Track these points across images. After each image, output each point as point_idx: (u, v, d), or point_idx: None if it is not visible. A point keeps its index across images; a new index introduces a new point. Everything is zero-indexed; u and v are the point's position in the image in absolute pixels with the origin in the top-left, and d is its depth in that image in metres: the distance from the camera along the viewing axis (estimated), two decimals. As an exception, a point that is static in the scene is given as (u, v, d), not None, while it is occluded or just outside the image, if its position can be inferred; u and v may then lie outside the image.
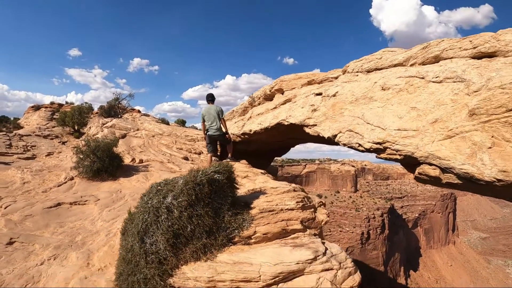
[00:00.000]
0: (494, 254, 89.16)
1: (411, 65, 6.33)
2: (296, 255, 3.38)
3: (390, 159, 5.35)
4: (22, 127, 21.09)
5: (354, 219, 71.87)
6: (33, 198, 8.58)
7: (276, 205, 4.06)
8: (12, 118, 28.25)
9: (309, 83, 9.86)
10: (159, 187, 3.73)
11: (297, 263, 3.26)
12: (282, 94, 11.78)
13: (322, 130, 7.10)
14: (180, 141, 17.66)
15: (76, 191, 9.75)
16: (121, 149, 15.04)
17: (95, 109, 27.61)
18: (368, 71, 7.26)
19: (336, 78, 8.34)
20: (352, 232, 68.39)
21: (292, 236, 3.64)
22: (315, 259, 3.30)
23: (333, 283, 3.08)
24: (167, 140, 17.59)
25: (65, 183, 10.62)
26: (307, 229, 3.74)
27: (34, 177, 10.71)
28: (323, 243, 3.57)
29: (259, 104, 14.34)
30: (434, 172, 4.76)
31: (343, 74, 8.20)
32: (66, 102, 31.03)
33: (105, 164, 11.05)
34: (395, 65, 6.64)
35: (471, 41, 5.51)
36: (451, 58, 5.66)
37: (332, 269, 3.23)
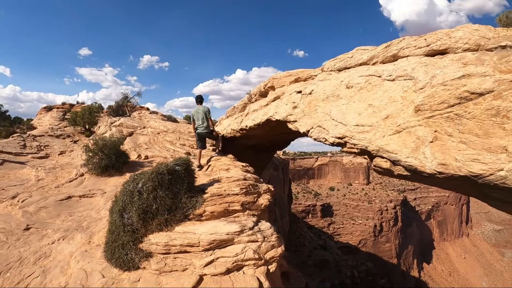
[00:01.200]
0: (508, 247, 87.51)
1: (373, 64, 6.85)
2: (227, 227, 4.28)
3: (351, 153, 6.03)
4: (35, 128, 22.43)
5: (366, 211, 72.01)
6: (46, 193, 9.63)
7: (224, 190, 4.98)
8: (25, 119, 29.95)
9: (296, 80, 10.53)
10: (135, 177, 4.74)
11: (227, 234, 4.16)
12: (274, 91, 12.50)
13: (300, 126, 7.85)
14: (183, 137, 18.54)
15: (85, 186, 10.76)
16: (128, 146, 15.95)
17: (106, 107, 28.90)
18: (339, 70, 7.87)
19: (316, 76, 9.02)
20: (365, 225, 68.66)
21: (234, 215, 4.53)
22: (242, 232, 4.18)
23: (256, 252, 3.92)
24: (171, 137, 18.51)
25: (75, 179, 11.66)
26: (247, 210, 4.60)
27: (47, 175, 11.81)
28: (258, 221, 4.40)
29: (255, 100, 15.07)
30: (385, 164, 5.37)
31: (321, 72, 8.88)
32: (77, 102, 32.53)
33: (112, 160, 11.89)
34: (361, 64, 7.18)
35: (425, 39, 5.98)
36: (407, 56, 6.13)
37: (257, 241, 4.09)
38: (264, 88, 13.81)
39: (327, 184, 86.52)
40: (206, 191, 5.11)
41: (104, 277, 3.93)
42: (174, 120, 28.98)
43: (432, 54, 5.79)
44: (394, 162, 5.16)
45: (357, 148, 5.69)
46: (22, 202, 8.37)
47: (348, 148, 5.96)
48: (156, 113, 31.97)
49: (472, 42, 5.23)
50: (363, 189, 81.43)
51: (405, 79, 5.55)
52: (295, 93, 9.09)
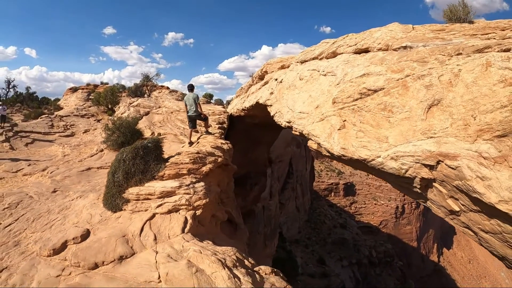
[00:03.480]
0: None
1: (320, 59, 8.09)
2: (172, 184, 6.22)
3: (296, 134, 7.49)
4: (62, 108, 25.37)
5: (389, 192, 71.85)
6: (71, 165, 12.07)
7: (179, 160, 6.89)
8: (52, 99, 33.38)
9: (282, 67, 12.02)
10: (122, 150, 6.84)
11: (171, 188, 6.11)
12: (267, 75, 14.04)
13: (272, 110, 9.52)
14: (193, 116, 20.54)
15: (104, 159, 13.13)
16: (144, 124, 18.13)
17: (131, 85, 31.44)
18: (301, 62, 9.21)
19: (290, 65, 10.50)
20: (387, 206, 68.97)
21: (183, 177, 6.43)
22: (180, 187, 6.09)
23: (188, 200, 5.84)
24: (183, 116, 20.49)
25: (96, 154, 14.11)
26: (191, 174, 6.52)
27: (72, 151, 14.33)
28: (197, 182, 6.29)
29: (256, 83, 16.71)
30: (314, 145, 6.68)
31: (293, 63, 10.35)
32: (101, 83, 35.48)
33: (127, 138, 13.95)
34: (313, 58, 8.45)
35: (356, 38, 7.11)
36: (342, 53, 7.28)
37: (189, 193, 5.98)
38: (261, 72, 15.41)
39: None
40: (169, 160, 7.10)
41: (101, 217, 6.10)
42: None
43: (359, 52, 6.92)
44: (319, 144, 6.47)
45: (298, 131, 7.25)
46: (50, 173, 10.77)
47: (293, 130, 7.56)
48: (176, 91, 34.25)
49: (384, 43, 6.34)
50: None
51: (332, 75, 6.84)
52: (274, 80, 10.69)
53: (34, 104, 28.66)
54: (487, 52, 4.66)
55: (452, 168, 4.12)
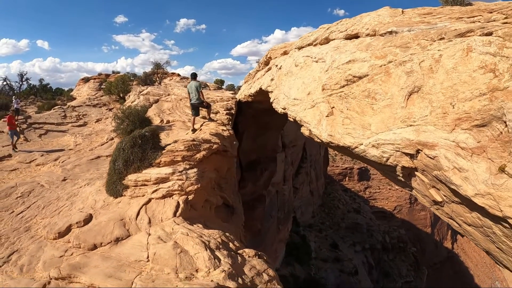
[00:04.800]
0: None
1: (315, 45, 8.07)
2: (166, 170, 6.59)
3: (291, 121, 7.62)
4: (74, 98, 26.17)
5: (404, 177, 71.17)
6: (82, 155, 12.67)
7: (175, 148, 7.24)
8: (66, 90, 34.39)
9: (284, 53, 12.03)
10: (122, 139, 7.29)
11: (165, 174, 6.48)
12: (272, 61, 14.12)
13: (271, 96, 9.67)
14: (201, 104, 20.92)
15: (113, 148, 13.61)
16: (153, 112, 18.49)
17: (142, 73, 31.95)
18: (298, 48, 9.19)
19: (290, 51, 10.56)
20: (401, 191, 68.02)
21: (178, 163, 6.78)
22: (173, 173, 6.44)
23: (180, 185, 6.20)
24: (191, 103, 20.95)
25: (106, 142, 14.67)
26: (185, 161, 6.85)
27: (84, 140, 14.96)
28: (190, 168, 6.62)
29: (262, 69, 16.82)
30: (306, 132, 6.75)
31: (292, 49, 10.39)
32: (113, 72, 36.16)
33: (136, 126, 14.37)
34: (308, 45, 8.44)
35: (347, 23, 7.06)
36: (334, 39, 7.25)
37: (182, 179, 6.33)
38: (266, 58, 15.48)
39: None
40: (166, 148, 7.48)
41: (104, 202, 6.61)
42: (204, 86, 31.33)
43: (349, 37, 6.84)
44: (310, 131, 6.53)
45: (292, 118, 7.39)
46: (62, 162, 11.39)
47: (288, 117, 7.73)
48: (187, 78, 34.67)
49: (371, 28, 6.23)
50: (403, 153, 79.69)
51: (322, 62, 6.85)
52: (275, 66, 10.83)
53: (48, 95, 29.66)
54: (469, 36, 4.53)
55: (431, 158, 4.09)
